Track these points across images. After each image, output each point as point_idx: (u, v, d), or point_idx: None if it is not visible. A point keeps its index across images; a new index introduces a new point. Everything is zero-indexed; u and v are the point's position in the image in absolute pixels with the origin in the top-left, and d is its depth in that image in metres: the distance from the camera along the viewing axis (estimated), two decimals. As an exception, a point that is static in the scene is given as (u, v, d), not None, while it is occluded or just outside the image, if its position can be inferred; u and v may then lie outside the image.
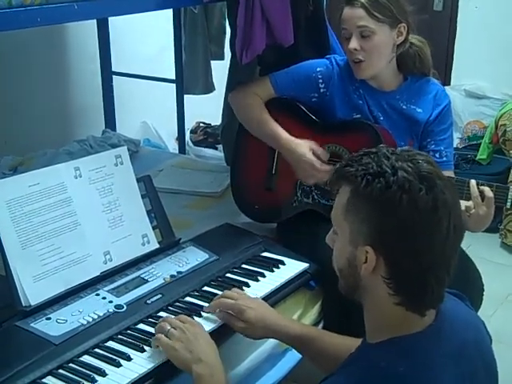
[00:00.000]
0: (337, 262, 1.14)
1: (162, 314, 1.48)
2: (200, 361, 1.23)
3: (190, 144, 4.02)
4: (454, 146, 3.92)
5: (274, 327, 1.39)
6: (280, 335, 1.40)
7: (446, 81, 4.26)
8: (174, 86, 3.29)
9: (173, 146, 3.90)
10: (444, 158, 1.93)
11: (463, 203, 1.67)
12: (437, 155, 1.92)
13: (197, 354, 1.24)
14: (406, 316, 1.08)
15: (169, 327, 1.30)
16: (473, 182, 1.69)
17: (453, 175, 1.89)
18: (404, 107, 1.94)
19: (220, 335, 1.41)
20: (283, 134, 1.92)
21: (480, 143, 3.68)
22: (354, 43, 1.84)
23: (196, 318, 1.44)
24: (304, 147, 1.88)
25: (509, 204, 1.68)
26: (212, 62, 3.22)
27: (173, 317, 1.37)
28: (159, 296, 1.54)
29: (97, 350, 1.35)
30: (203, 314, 1.47)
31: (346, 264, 1.11)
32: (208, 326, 1.42)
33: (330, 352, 1.36)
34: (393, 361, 1.04)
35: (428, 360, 1.04)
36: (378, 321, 1.11)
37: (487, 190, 1.66)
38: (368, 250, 1.05)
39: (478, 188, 1.67)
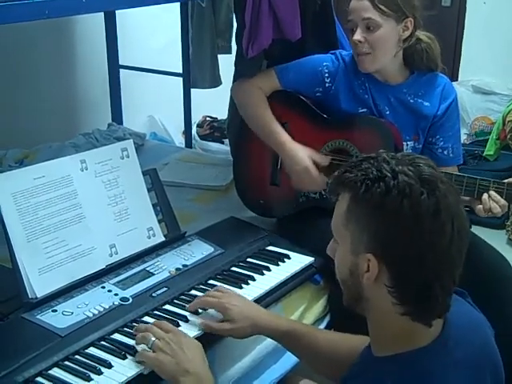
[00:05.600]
0: (339, 272, 1.11)
1: (167, 306, 1.49)
2: (187, 372, 1.18)
3: (197, 138, 4.01)
4: (462, 141, 3.92)
5: (262, 323, 1.36)
6: (269, 331, 1.37)
7: (454, 76, 4.25)
8: (180, 79, 3.29)
9: (179, 140, 3.90)
10: (451, 155, 1.93)
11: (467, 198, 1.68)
12: (445, 152, 1.92)
13: (183, 366, 1.19)
14: (412, 327, 1.04)
15: (153, 339, 1.24)
16: (493, 194, 1.68)
17: (456, 171, 1.89)
18: (411, 101, 1.93)
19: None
20: (283, 135, 1.90)
21: (487, 139, 3.66)
22: (358, 35, 1.83)
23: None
24: (303, 153, 1.87)
25: None
26: (219, 56, 3.21)
27: (156, 322, 1.33)
28: (165, 289, 1.54)
29: (102, 342, 1.35)
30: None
31: (348, 274, 1.07)
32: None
33: (319, 348, 1.34)
34: (402, 379, 1.01)
35: (437, 373, 1.02)
36: (383, 333, 1.08)
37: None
38: (370, 258, 1.02)
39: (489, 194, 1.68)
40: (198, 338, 1.34)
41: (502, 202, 1.67)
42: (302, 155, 1.87)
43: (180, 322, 1.41)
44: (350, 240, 1.06)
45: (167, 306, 1.49)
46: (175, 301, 1.51)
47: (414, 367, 1.02)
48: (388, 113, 1.93)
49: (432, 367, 1.02)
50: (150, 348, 1.24)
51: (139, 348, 1.28)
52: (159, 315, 1.44)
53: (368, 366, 1.10)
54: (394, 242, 1.00)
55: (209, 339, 1.38)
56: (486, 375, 1.10)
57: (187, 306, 1.46)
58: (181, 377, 1.18)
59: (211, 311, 1.43)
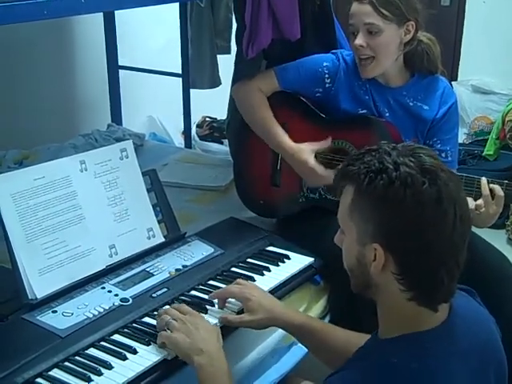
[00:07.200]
0: (346, 261, 1.14)
1: (167, 307, 1.47)
2: (201, 351, 1.23)
3: (196, 138, 4.01)
4: (461, 141, 3.93)
5: (280, 315, 1.39)
6: (284, 324, 1.40)
7: (453, 76, 4.25)
8: (180, 80, 3.29)
9: (179, 141, 3.90)
10: (449, 158, 1.92)
11: (472, 201, 1.67)
12: (443, 155, 1.91)
13: (197, 345, 1.24)
14: (419, 312, 1.07)
15: (169, 318, 1.31)
16: (484, 179, 1.68)
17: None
18: (411, 104, 1.92)
19: (225, 329, 1.41)
20: (284, 138, 1.90)
21: (487, 139, 3.67)
22: (360, 40, 1.82)
23: (201, 314, 1.43)
24: (306, 153, 1.86)
25: None
26: (218, 56, 3.22)
27: (175, 305, 1.39)
28: (165, 290, 1.54)
29: (103, 343, 1.35)
30: (208, 309, 1.47)
31: (356, 263, 1.11)
32: (213, 321, 1.42)
33: (330, 344, 1.36)
34: (405, 357, 1.04)
35: (440, 358, 1.04)
36: (390, 317, 1.11)
37: (498, 189, 1.66)
38: (376, 248, 1.05)
39: (489, 186, 1.67)
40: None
41: (501, 193, 1.66)
42: (304, 157, 1.85)
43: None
44: (355, 230, 1.09)
45: (167, 307, 1.48)
46: (175, 301, 1.51)
47: (418, 347, 1.05)
48: (388, 115, 1.92)
49: (436, 351, 1.04)
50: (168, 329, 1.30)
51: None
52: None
53: (373, 348, 1.13)
54: (398, 231, 1.03)
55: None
56: (489, 370, 1.12)
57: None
58: (195, 355, 1.23)
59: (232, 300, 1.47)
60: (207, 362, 1.22)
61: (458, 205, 1.04)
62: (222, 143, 3.95)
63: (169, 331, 1.30)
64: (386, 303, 1.12)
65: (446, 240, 1.03)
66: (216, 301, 1.48)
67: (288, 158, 1.91)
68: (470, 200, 1.64)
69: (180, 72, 3.28)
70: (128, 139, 1.85)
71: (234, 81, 2.52)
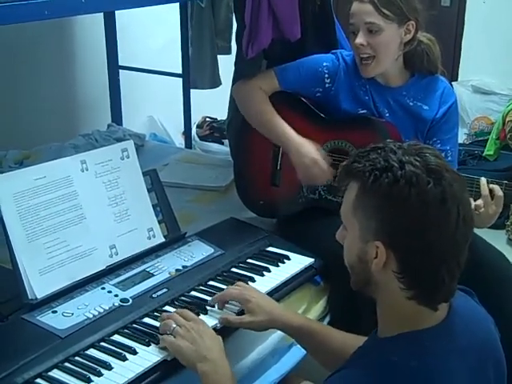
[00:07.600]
0: (347, 258, 1.15)
1: (167, 308, 1.48)
2: (205, 359, 1.23)
3: (196, 139, 4.02)
4: (461, 141, 3.93)
5: (279, 317, 1.39)
6: (283, 326, 1.40)
7: (454, 76, 4.25)
8: (180, 80, 3.29)
9: (179, 141, 3.90)
10: (449, 158, 1.92)
11: (472, 201, 1.66)
12: (442, 155, 1.91)
13: (201, 352, 1.24)
14: (419, 310, 1.08)
15: (174, 325, 1.30)
16: (483, 180, 1.68)
17: None
18: (411, 104, 1.92)
19: (225, 330, 1.42)
20: (289, 129, 1.89)
21: (487, 139, 3.66)
22: (360, 39, 1.83)
23: (201, 315, 1.44)
24: (310, 146, 1.86)
25: None
26: (218, 57, 3.22)
27: (178, 310, 1.38)
28: (165, 290, 1.54)
29: (102, 343, 1.35)
30: (208, 309, 1.47)
31: (357, 260, 1.11)
32: (213, 322, 1.42)
33: (329, 346, 1.36)
34: (404, 356, 1.04)
35: (439, 356, 1.04)
36: (390, 315, 1.12)
37: (497, 189, 1.66)
38: (378, 245, 1.05)
39: (488, 186, 1.67)
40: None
41: (500, 193, 1.66)
42: (309, 148, 1.85)
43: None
44: (358, 227, 1.09)
45: (167, 307, 1.48)
46: (175, 302, 1.51)
47: (418, 345, 1.05)
48: (388, 115, 1.93)
49: (435, 349, 1.05)
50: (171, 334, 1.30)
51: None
52: (159, 316, 1.44)
53: (373, 347, 1.13)
54: (401, 230, 1.04)
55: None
56: (488, 368, 1.12)
57: (187, 307, 1.46)
58: (198, 362, 1.23)
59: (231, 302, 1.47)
60: (211, 370, 1.22)
61: (461, 205, 1.05)
62: (222, 143, 3.95)
63: (172, 336, 1.29)
64: (385, 301, 1.12)
65: (449, 240, 1.04)
66: None
67: (290, 146, 1.88)
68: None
69: (180, 72, 3.28)
70: (128, 139, 1.85)
71: (235, 81, 2.52)
